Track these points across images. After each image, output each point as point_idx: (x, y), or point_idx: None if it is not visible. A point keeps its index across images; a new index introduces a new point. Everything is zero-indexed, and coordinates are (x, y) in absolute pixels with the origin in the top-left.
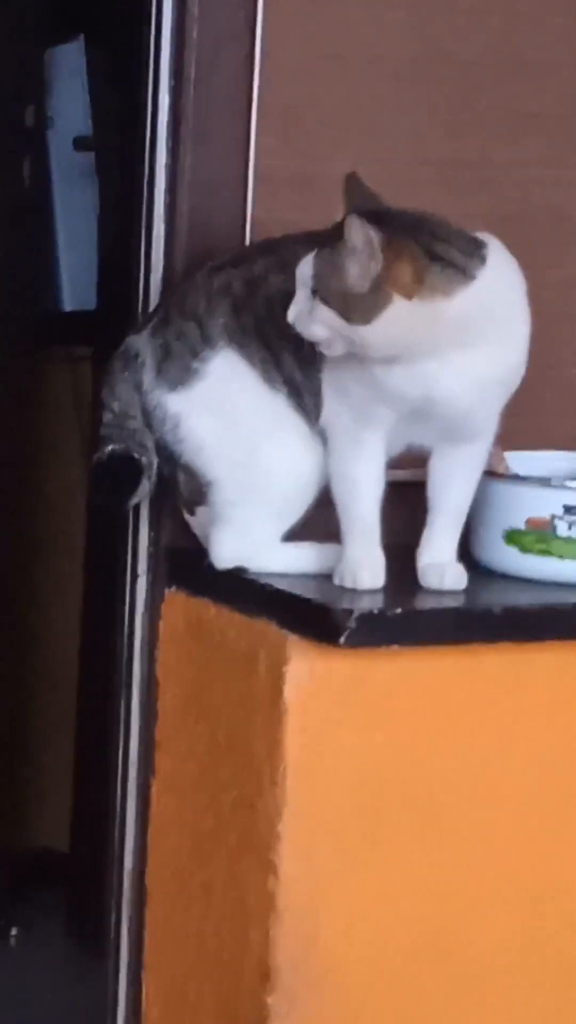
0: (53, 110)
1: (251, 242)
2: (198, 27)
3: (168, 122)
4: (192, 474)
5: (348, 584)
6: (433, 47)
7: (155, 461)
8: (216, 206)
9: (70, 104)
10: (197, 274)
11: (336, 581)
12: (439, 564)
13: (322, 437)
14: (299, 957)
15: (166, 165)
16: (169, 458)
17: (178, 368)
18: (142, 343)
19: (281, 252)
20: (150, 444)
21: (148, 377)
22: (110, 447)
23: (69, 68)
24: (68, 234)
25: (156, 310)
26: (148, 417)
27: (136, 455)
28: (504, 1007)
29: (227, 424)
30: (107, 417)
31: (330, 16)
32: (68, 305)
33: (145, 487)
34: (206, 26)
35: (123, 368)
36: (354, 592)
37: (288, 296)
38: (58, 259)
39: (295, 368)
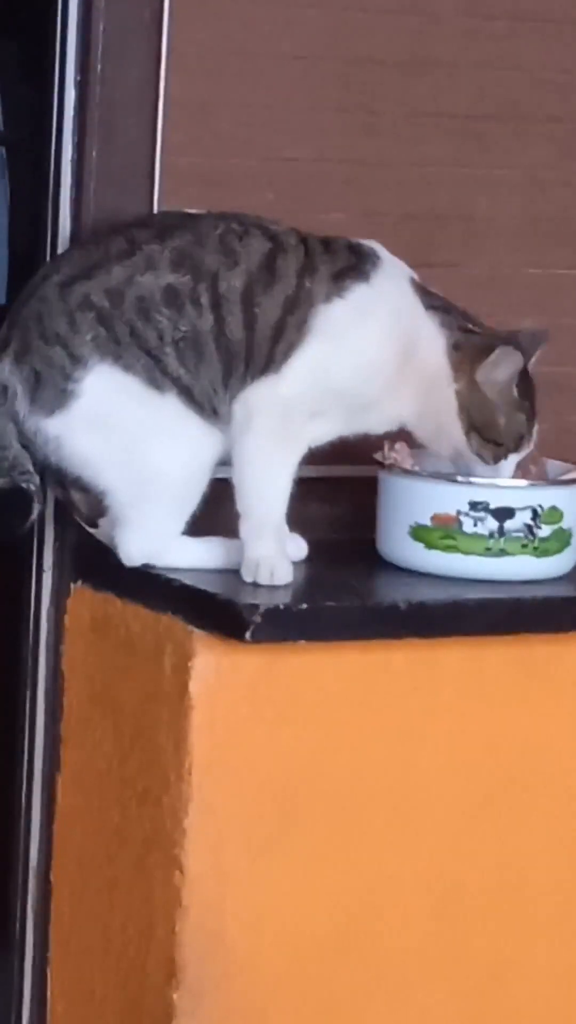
0: None
1: (76, 245)
2: (104, 22)
3: (74, 117)
4: (85, 489)
5: (263, 580)
6: (342, 46)
7: (37, 480)
8: (123, 200)
9: None
10: (41, 290)
11: (247, 578)
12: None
13: (220, 425)
14: (205, 953)
15: (72, 160)
16: (58, 477)
17: (52, 393)
18: (5, 374)
19: (140, 252)
20: (31, 466)
21: (22, 407)
22: None
23: None
24: None
25: (7, 336)
26: (29, 443)
27: (23, 485)
28: (414, 1002)
29: (111, 435)
30: None
31: (238, 12)
32: None
33: (37, 509)
34: (112, 21)
35: None
36: (259, 587)
37: (170, 291)
38: None
39: (180, 367)
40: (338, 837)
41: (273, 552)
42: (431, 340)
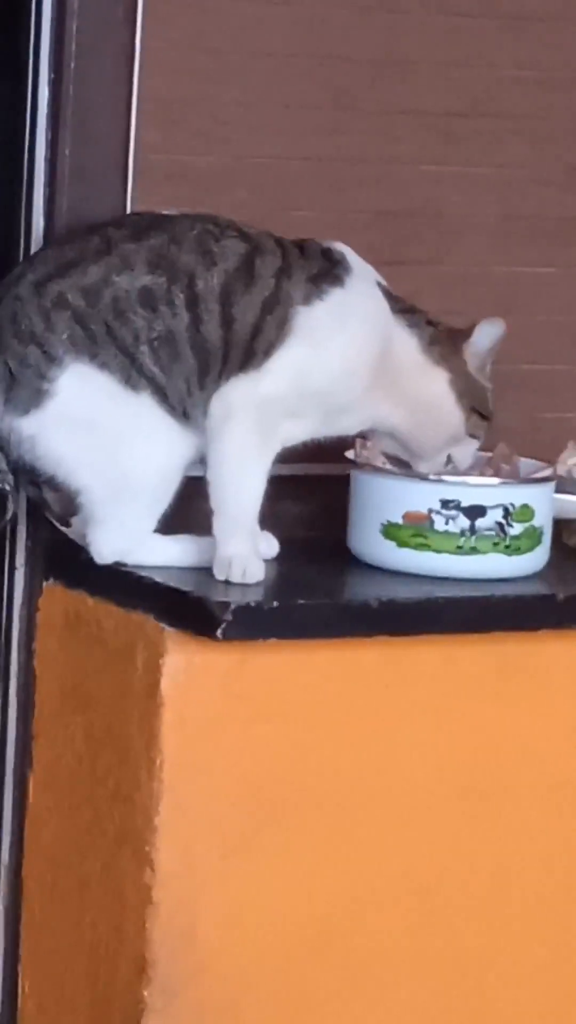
0: None
1: (52, 243)
2: (78, 20)
3: (48, 115)
4: (59, 488)
5: (235, 578)
6: (315, 44)
7: (12, 479)
8: (96, 198)
9: None
10: (16, 289)
11: (219, 575)
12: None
13: (191, 428)
14: (175, 950)
15: (45, 158)
16: (31, 475)
17: (27, 392)
18: None
19: (116, 251)
20: (4, 465)
21: None
22: None
23: None
24: None
25: None
26: (3, 442)
27: None
28: (388, 1001)
29: (85, 434)
30: None
31: (211, 10)
32: None
33: (10, 509)
34: (86, 19)
35: None
36: (230, 585)
37: (146, 291)
38: None
39: (155, 366)
40: (310, 835)
41: (245, 550)
42: (403, 342)
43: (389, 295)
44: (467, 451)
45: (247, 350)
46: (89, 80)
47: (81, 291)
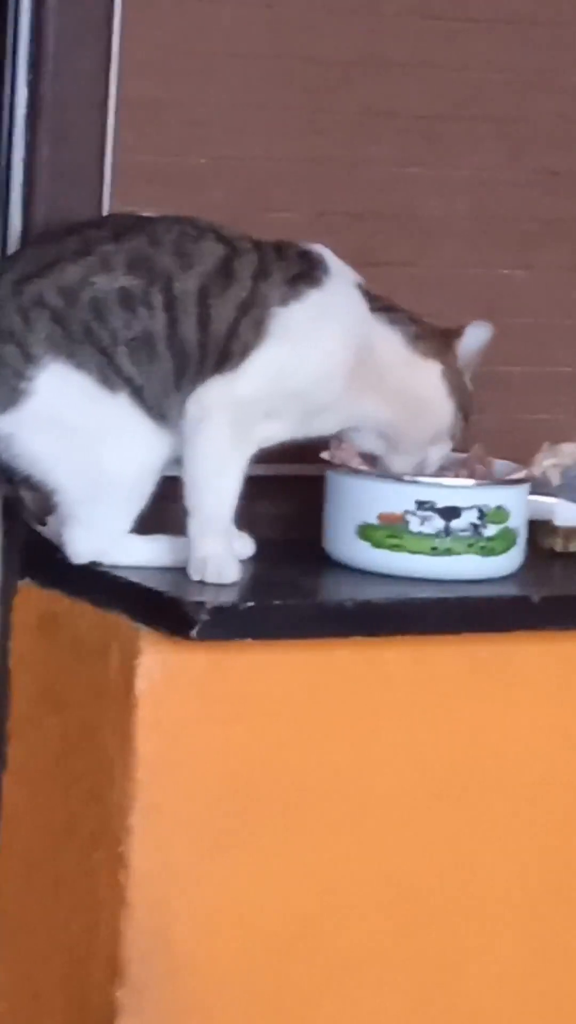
0: None
1: (30, 242)
2: (56, 21)
3: (25, 115)
4: (35, 487)
5: (210, 578)
6: (291, 45)
7: None
8: (73, 200)
9: None
10: None
11: (195, 576)
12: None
13: (168, 428)
14: (149, 951)
15: (23, 158)
16: (7, 474)
17: (4, 391)
18: None
19: (95, 252)
20: None
21: None
22: None
23: None
24: None
25: None
26: None
27: None
28: (362, 1001)
29: (62, 433)
30: None
31: (189, 12)
32: None
33: None
34: (64, 20)
35: None
36: (206, 585)
37: (124, 292)
38: None
39: (132, 367)
40: (284, 836)
41: (221, 550)
42: (385, 339)
43: (369, 295)
44: (441, 452)
45: (223, 351)
46: (67, 80)
47: (60, 291)
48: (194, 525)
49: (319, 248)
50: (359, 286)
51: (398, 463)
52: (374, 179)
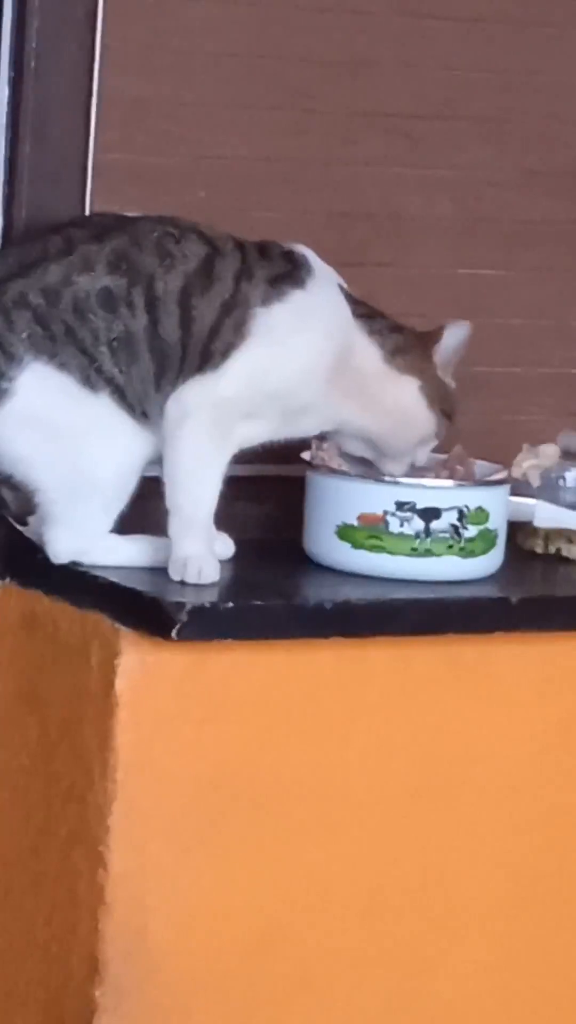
0: None
1: (12, 242)
2: (38, 19)
3: (7, 114)
4: (16, 487)
5: (190, 579)
6: (274, 44)
7: None
8: (55, 199)
9: None
10: None
11: (175, 576)
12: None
13: (150, 428)
14: (128, 950)
15: (5, 157)
16: None
17: None
18: None
19: (77, 252)
20: None
21: None
22: None
23: None
24: None
25: None
26: None
27: None
28: (339, 1001)
29: (44, 434)
30: None
31: (172, 11)
32: None
33: None
34: (46, 19)
35: None
36: (185, 586)
37: (106, 292)
38: None
39: (114, 367)
40: (263, 836)
41: (201, 551)
42: (364, 348)
43: (351, 299)
44: (427, 450)
45: (205, 351)
46: (49, 80)
47: (42, 291)
48: (174, 525)
49: (302, 248)
50: (341, 288)
51: (389, 466)
52: (357, 179)
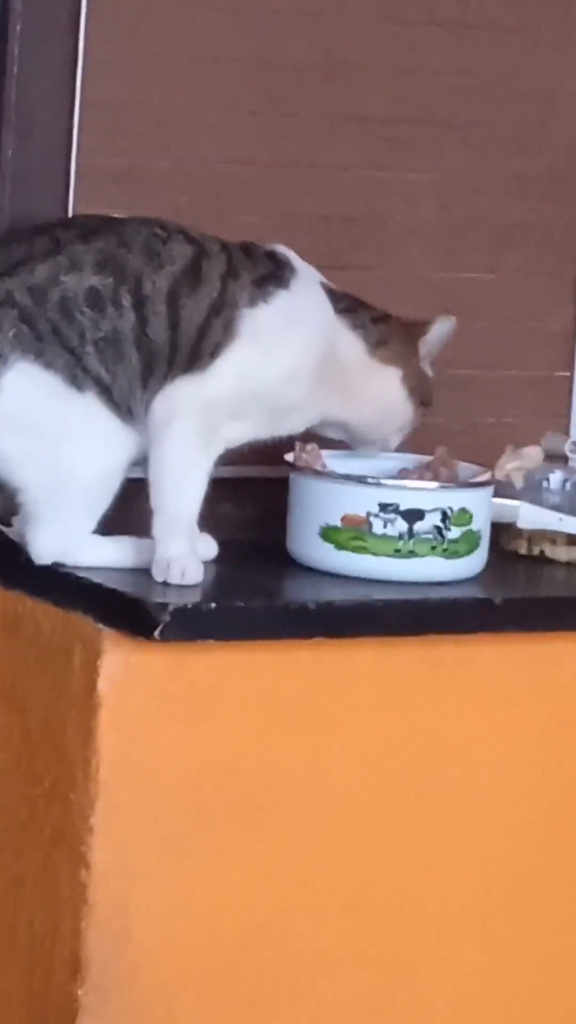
0: None
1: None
2: (20, 23)
3: None
4: None
5: (174, 579)
6: (257, 48)
7: None
8: (38, 201)
9: None
10: None
11: (158, 577)
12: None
13: (135, 427)
14: (110, 951)
15: None
16: None
17: None
18: None
19: (64, 251)
20: None
21: None
22: None
23: None
24: None
25: None
26: None
27: None
28: (322, 1002)
29: (28, 433)
30: None
31: (155, 15)
32: None
33: None
34: (29, 21)
35: None
36: (169, 586)
37: (93, 292)
38: None
39: (100, 367)
40: (246, 836)
41: (184, 551)
42: (348, 343)
43: (333, 294)
44: (400, 437)
45: (193, 352)
46: (32, 83)
47: (28, 290)
48: (159, 526)
49: (282, 249)
50: (323, 285)
51: (361, 448)
52: (339, 183)
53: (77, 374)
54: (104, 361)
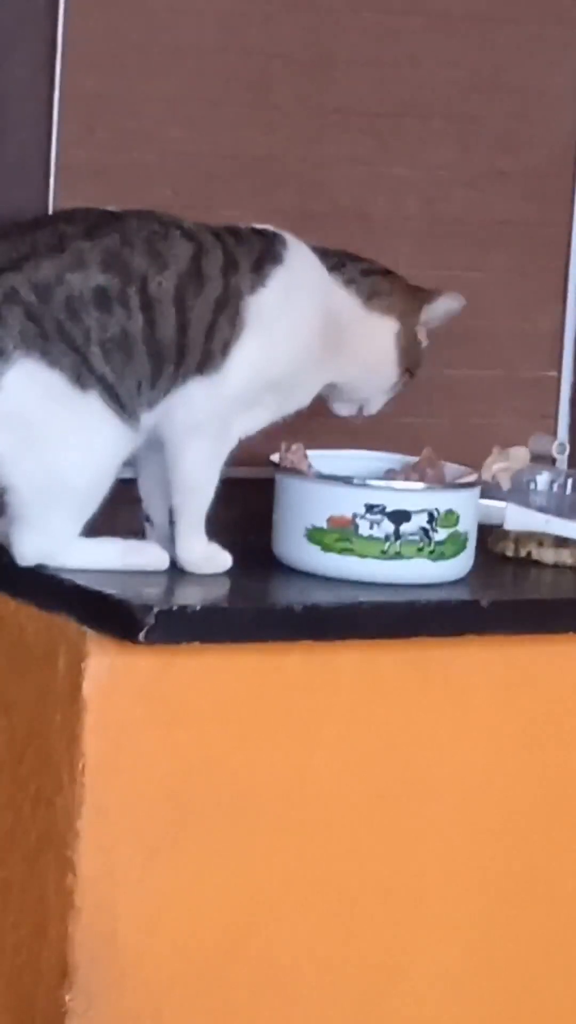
0: None
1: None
2: None
3: None
4: None
5: (221, 569)
6: (241, 41)
7: None
8: (17, 196)
9: None
10: None
11: (199, 571)
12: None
13: (134, 427)
14: (97, 955)
15: None
16: None
17: None
18: None
19: (69, 248)
20: None
21: None
22: None
23: None
24: None
25: None
26: None
27: None
28: (308, 1006)
29: (25, 432)
30: None
31: (135, 5)
32: None
33: None
34: (6, 12)
35: None
36: (151, 586)
37: (100, 292)
38: None
39: (106, 367)
40: (232, 840)
41: (206, 546)
42: (343, 300)
43: (321, 253)
44: (381, 402)
45: (204, 351)
46: (10, 75)
47: (33, 287)
48: (182, 525)
49: (266, 225)
50: (313, 248)
51: (337, 408)
52: (324, 177)
53: (82, 373)
54: (110, 361)
